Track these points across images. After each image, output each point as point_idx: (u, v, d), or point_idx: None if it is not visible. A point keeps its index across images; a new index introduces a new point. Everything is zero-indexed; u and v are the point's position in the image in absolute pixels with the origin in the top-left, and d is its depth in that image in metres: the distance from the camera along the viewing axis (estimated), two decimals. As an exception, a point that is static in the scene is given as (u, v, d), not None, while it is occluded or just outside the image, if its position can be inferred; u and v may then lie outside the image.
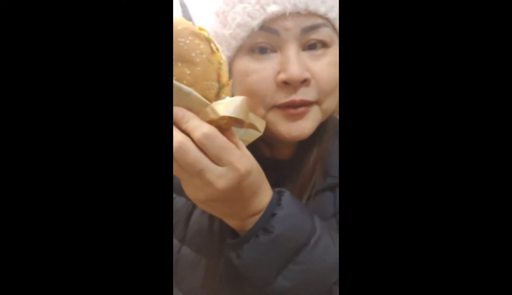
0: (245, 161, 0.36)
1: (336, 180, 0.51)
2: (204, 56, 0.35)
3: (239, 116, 0.35)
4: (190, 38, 0.35)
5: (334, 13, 0.47)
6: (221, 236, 0.47)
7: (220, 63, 0.37)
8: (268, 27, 0.44)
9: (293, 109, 0.46)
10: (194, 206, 0.52)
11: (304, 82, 0.45)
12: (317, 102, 0.47)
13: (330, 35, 0.47)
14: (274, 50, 0.46)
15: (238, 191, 0.36)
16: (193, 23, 0.54)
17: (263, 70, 0.46)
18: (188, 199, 0.53)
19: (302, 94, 0.46)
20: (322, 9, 0.45)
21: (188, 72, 0.35)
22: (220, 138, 0.35)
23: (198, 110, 0.35)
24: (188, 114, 0.35)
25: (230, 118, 0.35)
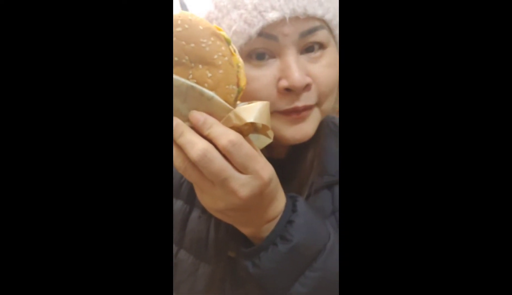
0: (268, 168, 0.35)
1: (334, 178, 0.51)
2: (226, 58, 0.34)
3: (263, 122, 0.34)
4: (212, 39, 0.34)
5: (330, 15, 0.46)
6: (221, 242, 0.46)
7: (238, 66, 0.36)
8: (266, 33, 0.43)
9: (296, 114, 0.46)
10: (190, 211, 0.52)
11: (306, 87, 0.45)
12: (317, 105, 0.47)
13: (327, 36, 0.47)
14: (272, 56, 0.45)
15: (259, 199, 0.35)
16: None
17: (263, 77, 0.45)
18: (185, 203, 0.53)
19: (305, 100, 0.45)
20: (319, 12, 0.45)
21: (209, 75, 0.34)
22: (246, 145, 0.33)
23: (220, 116, 0.34)
24: (210, 119, 0.33)
25: (252, 124, 0.34)
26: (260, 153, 0.37)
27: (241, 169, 0.33)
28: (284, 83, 0.44)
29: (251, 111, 0.34)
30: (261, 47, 0.44)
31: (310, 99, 0.46)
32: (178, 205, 0.53)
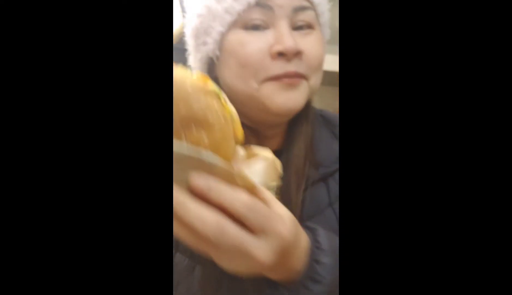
0: (287, 222, 0.32)
1: (329, 169, 0.53)
2: (220, 116, 0.31)
3: (272, 181, 0.32)
4: (202, 98, 0.31)
5: None
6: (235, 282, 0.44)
7: (232, 118, 0.33)
8: (263, 3, 0.47)
9: (288, 79, 0.48)
10: None
11: (298, 54, 0.48)
12: (306, 77, 0.50)
13: (314, 18, 0.51)
14: (267, 27, 0.48)
15: (283, 254, 0.32)
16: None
17: (257, 42, 0.47)
18: None
19: (296, 66, 0.48)
20: None
21: (206, 138, 0.30)
22: (262, 207, 0.30)
23: (224, 178, 0.30)
24: (216, 185, 0.29)
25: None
26: (276, 200, 0.34)
27: (259, 231, 0.30)
28: (277, 47, 0.47)
29: (256, 172, 0.32)
30: (257, 18, 0.47)
31: (301, 68, 0.48)
32: None
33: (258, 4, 0.47)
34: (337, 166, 0.54)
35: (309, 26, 0.50)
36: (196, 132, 0.30)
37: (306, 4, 0.49)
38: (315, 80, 0.52)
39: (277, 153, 0.51)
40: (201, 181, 0.29)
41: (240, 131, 0.34)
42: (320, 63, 0.51)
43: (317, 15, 0.51)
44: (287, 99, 0.48)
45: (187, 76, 0.31)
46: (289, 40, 0.46)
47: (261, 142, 0.55)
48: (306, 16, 0.49)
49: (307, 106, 0.55)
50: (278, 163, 0.38)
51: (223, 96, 0.33)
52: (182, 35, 0.57)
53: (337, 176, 0.55)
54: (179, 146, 0.29)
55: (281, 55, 0.47)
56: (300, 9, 0.48)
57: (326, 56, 0.56)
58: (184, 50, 0.57)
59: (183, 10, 0.54)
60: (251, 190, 0.31)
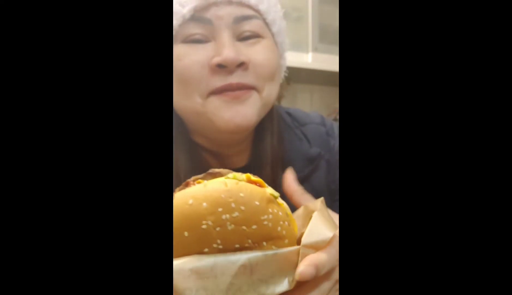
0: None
1: (302, 174, 0.50)
2: (286, 223, 0.30)
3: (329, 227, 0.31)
4: (270, 210, 0.29)
5: (264, 6, 0.47)
6: None
7: (287, 215, 0.31)
8: (200, 16, 0.44)
9: (231, 91, 0.44)
10: None
11: (241, 65, 0.45)
12: (255, 89, 0.46)
13: (262, 27, 0.47)
14: (208, 40, 0.45)
15: None
16: None
17: (195, 54, 0.44)
18: None
19: (239, 77, 0.44)
20: (252, 1, 0.45)
21: (275, 249, 0.29)
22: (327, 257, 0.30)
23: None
24: (324, 262, 0.29)
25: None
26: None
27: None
28: (216, 59, 0.44)
29: (315, 233, 0.30)
30: (197, 33, 0.45)
31: (246, 79, 0.45)
32: None
33: (194, 18, 0.44)
34: (310, 168, 0.53)
35: (257, 36, 0.46)
36: (266, 246, 0.29)
37: (250, 13, 0.46)
38: (269, 90, 0.48)
39: (243, 169, 0.51)
40: (308, 269, 0.28)
41: (296, 226, 0.32)
42: (273, 73, 0.47)
43: (266, 24, 0.48)
44: (234, 114, 0.44)
45: (251, 189, 0.29)
46: (229, 51, 0.43)
47: (224, 162, 0.53)
48: (251, 26, 0.46)
49: (270, 116, 0.51)
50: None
51: (275, 194, 0.31)
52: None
53: (311, 179, 0.53)
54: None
55: (221, 67, 0.44)
56: (243, 19, 0.45)
57: (326, 56, 0.55)
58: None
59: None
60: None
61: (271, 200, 0.29)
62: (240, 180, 0.29)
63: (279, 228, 0.29)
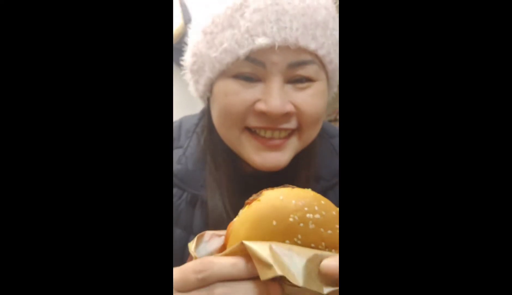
0: None
1: (329, 182, 0.51)
2: (337, 226, 0.32)
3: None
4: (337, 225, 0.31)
5: (324, 50, 0.45)
6: None
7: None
8: (254, 58, 0.43)
9: (271, 141, 0.44)
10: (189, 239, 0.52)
11: (285, 115, 0.44)
12: (296, 133, 0.46)
13: (317, 71, 0.46)
14: (258, 80, 0.45)
15: None
16: (190, 23, 0.53)
17: (243, 93, 0.44)
18: (183, 231, 0.52)
19: (281, 124, 0.44)
20: (312, 46, 0.44)
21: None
22: None
23: None
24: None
25: None
26: None
27: None
28: (261, 106, 0.44)
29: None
30: (248, 72, 0.44)
31: (289, 125, 0.45)
32: (177, 233, 0.52)
33: (249, 59, 0.43)
34: (337, 179, 0.53)
35: (309, 80, 0.45)
36: (334, 252, 0.31)
37: (306, 58, 0.44)
38: (310, 133, 0.48)
39: (279, 174, 0.49)
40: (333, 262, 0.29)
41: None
42: (317, 119, 0.47)
43: (323, 66, 0.46)
44: (266, 160, 0.45)
45: (330, 204, 0.32)
46: (275, 101, 0.42)
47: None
48: (305, 71, 0.45)
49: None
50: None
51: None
52: (181, 35, 0.56)
53: (336, 188, 0.53)
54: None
55: (264, 114, 0.44)
56: (298, 64, 0.44)
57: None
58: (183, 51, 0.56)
59: (186, 20, 0.53)
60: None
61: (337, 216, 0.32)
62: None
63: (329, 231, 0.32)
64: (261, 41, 0.42)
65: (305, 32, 0.43)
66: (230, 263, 0.28)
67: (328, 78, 0.49)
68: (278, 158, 0.46)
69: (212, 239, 0.35)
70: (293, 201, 0.31)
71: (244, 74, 0.44)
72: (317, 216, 0.31)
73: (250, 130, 0.46)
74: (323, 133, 0.58)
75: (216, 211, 0.49)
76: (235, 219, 0.33)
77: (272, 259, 0.28)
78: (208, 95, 0.50)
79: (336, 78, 0.51)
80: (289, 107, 0.44)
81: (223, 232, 0.35)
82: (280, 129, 0.45)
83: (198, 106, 0.61)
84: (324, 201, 0.32)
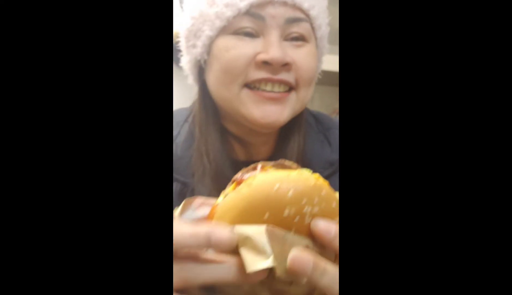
0: None
1: (324, 173, 0.51)
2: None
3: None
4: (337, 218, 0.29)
5: (315, 11, 0.49)
6: None
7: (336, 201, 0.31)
8: (254, 12, 0.46)
9: (271, 93, 0.46)
10: None
11: (286, 65, 0.46)
12: (295, 89, 0.48)
13: (309, 31, 0.49)
14: (257, 35, 0.47)
15: None
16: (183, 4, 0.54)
17: (244, 48, 0.46)
18: None
19: (282, 76, 0.46)
20: (305, 5, 0.47)
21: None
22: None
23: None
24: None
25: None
26: None
27: None
28: (263, 55, 0.46)
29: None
30: (249, 26, 0.46)
31: (289, 78, 0.47)
32: None
33: (249, 13, 0.46)
34: (329, 171, 0.54)
35: (303, 39, 0.48)
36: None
37: (301, 16, 0.48)
38: (306, 93, 0.50)
39: (268, 160, 0.51)
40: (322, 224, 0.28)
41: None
42: (311, 77, 0.50)
43: (313, 28, 0.50)
44: (267, 114, 0.46)
45: (332, 195, 0.30)
46: (276, 50, 0.45)
47: (249, 151, 0.54)
48: (300, 28, 0.48)
49: (300, 115, 0.53)
50: None
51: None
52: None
53: (330, 181, 0.53)
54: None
55: (266, 64, 0.46)
56: (293, 20, 0.47)
57: (326, 56, 0.56)
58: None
59: (183, 10, 0.54)
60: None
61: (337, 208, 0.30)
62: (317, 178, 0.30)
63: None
64: None
65: None
66: (189, 233, 0.27)
67: (317, 45, 0.52)
68: (278, 112, 0.47)
69: (200, 207, 0.34)
70: (290, 192, 0.28)
71: (244, 30, 0.46)
72: (315, 209, 0.28)
73: (250, 87, 0.47)
74: (317, 124, 0.59)
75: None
76: (219, 200, 0.30)
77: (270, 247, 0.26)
78: (205, 58, 0.51)
79: (324, 49, 0.55)
80: (289, 58, 0.46)
81: (213, 201, 0.32)
82: (280, 82, 0.47)
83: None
84: (325, 191, 0.29)
